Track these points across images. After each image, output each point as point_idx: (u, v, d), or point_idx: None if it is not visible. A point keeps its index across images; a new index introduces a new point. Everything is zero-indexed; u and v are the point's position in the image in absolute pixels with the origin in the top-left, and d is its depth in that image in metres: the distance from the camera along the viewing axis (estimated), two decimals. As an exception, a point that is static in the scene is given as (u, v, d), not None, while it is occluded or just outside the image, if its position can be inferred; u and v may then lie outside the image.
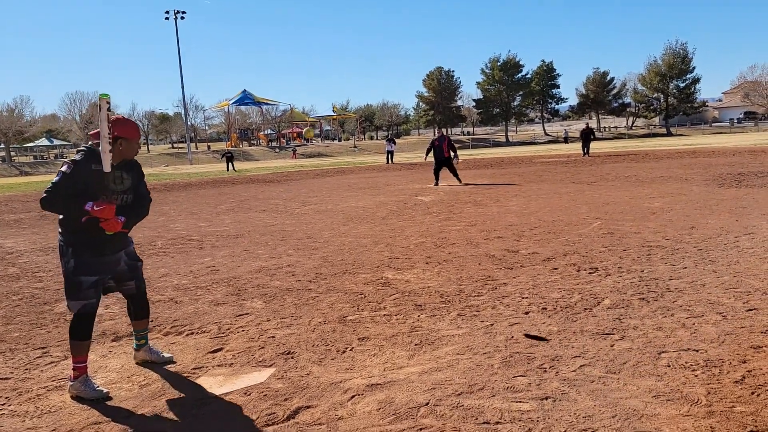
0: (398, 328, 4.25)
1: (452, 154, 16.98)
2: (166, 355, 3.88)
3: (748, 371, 3.14)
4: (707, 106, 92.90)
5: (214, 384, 3.44)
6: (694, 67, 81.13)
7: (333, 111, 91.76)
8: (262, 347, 4.01)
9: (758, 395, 2.86)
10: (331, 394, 3.20)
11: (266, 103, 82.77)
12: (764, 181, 12.50)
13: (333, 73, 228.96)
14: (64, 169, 3.29)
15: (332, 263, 6.62)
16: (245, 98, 78.15)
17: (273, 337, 4.22)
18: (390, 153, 33.68)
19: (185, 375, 3.60)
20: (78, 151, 3.43)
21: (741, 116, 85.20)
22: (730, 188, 11.70)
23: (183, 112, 68.91)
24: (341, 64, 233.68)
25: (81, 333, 3.36)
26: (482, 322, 4.29)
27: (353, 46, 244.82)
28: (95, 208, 3.23)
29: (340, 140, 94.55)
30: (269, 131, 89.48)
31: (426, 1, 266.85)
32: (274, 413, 3.01)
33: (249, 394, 3.26)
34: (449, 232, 8.40)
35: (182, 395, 3.31)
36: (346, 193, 15.94)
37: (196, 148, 73.43)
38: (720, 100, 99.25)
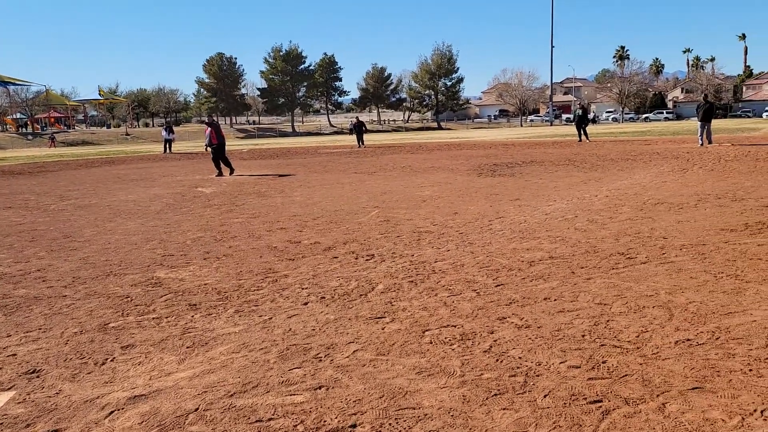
0: (168, 332, 3.95)
1: (220, 140, 16.10)
2: None
3: (495, 341, 3.53)
4: (470, 103, 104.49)
5: (-72, 421, 2.82)
6: (458, 68, 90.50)
7: (99, 94, 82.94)
8: (0, 368, 3.41)
9: (501, 361, 3.23)
10: (85, 412, 2.84)
11: (14, 83, 71.60)
12: (513, 171, 14.37)
13: (98, 53, 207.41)
14: None
15: (94, 265, 5.93)
16: (-15, 76, 66.64)
17: (14, 355, 3.62)
18: (167, 142, 31.69)
19: None
20: None
21: (497, 113, 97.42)
22: (486, 177, 13.21)
23: None
24: (108, 44, 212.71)
25: None
26: (260, 316, 4.20)
27: (123, 25, 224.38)
28: None
29: (109, 127, 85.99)
30: (19, 115, 77.70)
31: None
32: (8, 446, 2.56)
33: (-24, 428, 2.74)
34: (231, 224, 8.12)
35: None
36: (115, 185, 14.51)
37: None
38: (480, 99, 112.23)
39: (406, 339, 3.63)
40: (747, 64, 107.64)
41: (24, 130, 72.07)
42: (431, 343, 3.54)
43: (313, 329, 3.89)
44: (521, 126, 76.71)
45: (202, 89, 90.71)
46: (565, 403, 2.73)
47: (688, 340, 3.40)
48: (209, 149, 16.25)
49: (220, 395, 2.96)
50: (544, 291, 4.48)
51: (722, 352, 3.22)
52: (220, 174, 15.86)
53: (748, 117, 76.73)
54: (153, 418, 2.76)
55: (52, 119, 77.84)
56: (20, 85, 73.28)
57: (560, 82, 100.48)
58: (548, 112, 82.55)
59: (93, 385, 3.15)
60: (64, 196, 12.32)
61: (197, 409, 2.83)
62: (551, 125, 71.52)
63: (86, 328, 4.07)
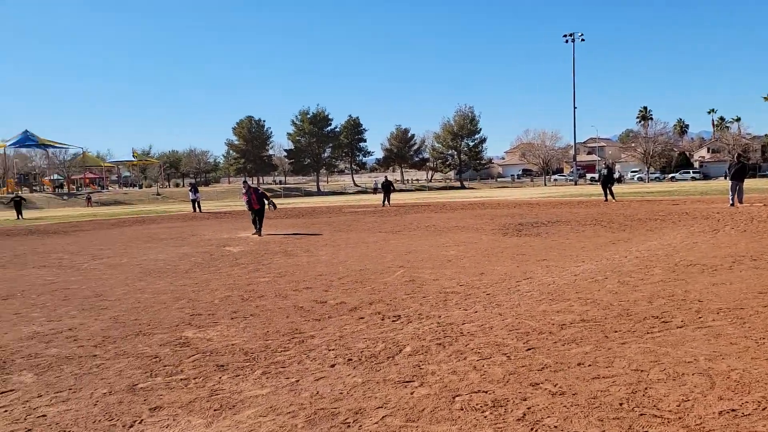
0: (196, 393, 3.93)
1: (266, 202, 16.36)
2: None
3: (528, 408, 3.43)
4: (493, 163, 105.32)
5: (-43, 484, 2.82)
6: (480, 129, 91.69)
7: (133, 156, 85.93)
8: (29, 429, 3.41)
9: (536, 431, 3.12)
10: (112, 478, 2.80)
11: (53, 146, 74.68)
12: (539, 231, 14.27)
13: (133, 118, 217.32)
14: None
15: (124, 324, 5.99)
16: (27, 140, 69.78)
17: (44, 416, 3.62)
18: (194, 201, 32.54)
19: None
20: None
21: (520, 173, 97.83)
22: (512, 237, 13.12)
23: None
24: (143, 110, 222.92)
25: None
26: (287, 378, 4.15)
27: (156, 92, 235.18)
28: None
29: (140, 187, 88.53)
30: (56, 176, 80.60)
31: (233, 51, 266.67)
32: None
33: (4, 492, 2.72)
34: (257, 284, 8.16)
35: None
36: (146, 244, 14.78)
37: (-38, 193, 63.05)
38: (503, 158, 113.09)
39: (436, 405, 3.54)
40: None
41: (60, 190, 74.48)
42: (462, 409, 3.45)
43: (341, 393, 3.83)
44: (545, 185, 76.69)
45: (231, 150, 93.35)
46: (605, 477, 2.61)
47: (733, 410, 3.26)
48: (249, 211, 16.53)
49: (248, 462, 2.91)
50: (577, 356, 4.36)
51: (769, 423, 3.07)
52: (259, 233, 15.95)
53: (778, 176, 75.77)
54: (180, 485, 2.71)
55: (87, 180, 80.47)
56: (59, 147, 76.30)
57: (584, 142, 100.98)
58: (572, 172, 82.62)
59: (120, 449, 3.13)
60: (96, 255, 12.58)
61: (225, 475, 2.77)
62: (576, 184, 71.38)
63: (115, 388, 4.07)
